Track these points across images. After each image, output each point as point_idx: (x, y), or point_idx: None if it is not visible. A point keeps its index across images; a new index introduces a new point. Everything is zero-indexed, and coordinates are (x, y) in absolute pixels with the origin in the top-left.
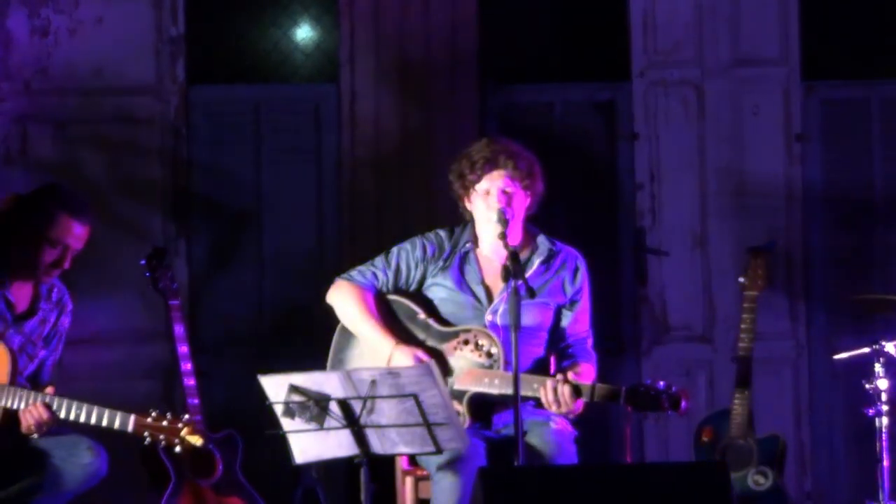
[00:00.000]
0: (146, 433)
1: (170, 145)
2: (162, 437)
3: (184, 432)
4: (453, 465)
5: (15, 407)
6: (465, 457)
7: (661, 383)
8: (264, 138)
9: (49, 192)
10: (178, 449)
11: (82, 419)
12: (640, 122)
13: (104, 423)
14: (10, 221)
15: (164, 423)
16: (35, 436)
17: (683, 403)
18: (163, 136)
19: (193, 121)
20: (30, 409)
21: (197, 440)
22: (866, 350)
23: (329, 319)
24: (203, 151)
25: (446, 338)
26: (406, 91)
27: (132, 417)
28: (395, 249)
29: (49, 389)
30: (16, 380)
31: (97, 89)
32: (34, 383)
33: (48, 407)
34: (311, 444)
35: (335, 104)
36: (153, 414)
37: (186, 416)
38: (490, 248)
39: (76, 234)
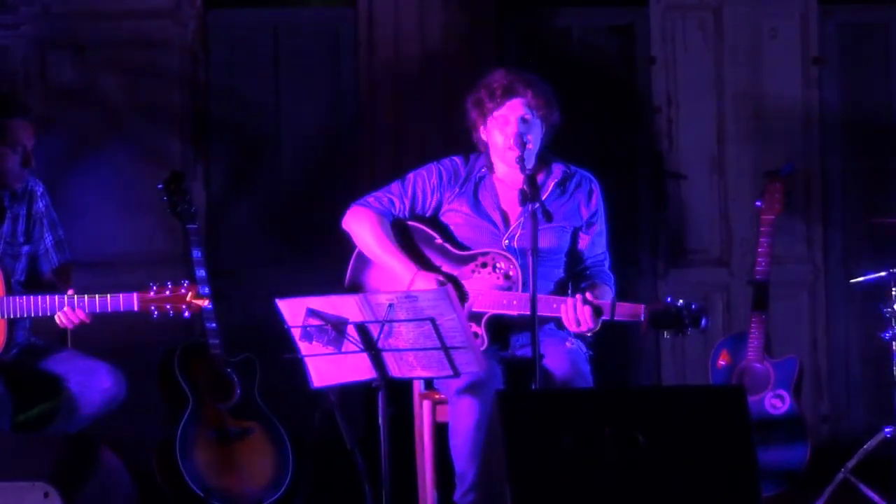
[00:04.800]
0: (153, 307)
1: (188, 69)
2: (169, 306)
3: (189, 297)
4: (472, 388)
5: (14, 316)
6: (484, 380)
7: (681, 301)
8: (282, 62)
9: None
10: (187, 314)
11: (87, 310)
12: (658, 46)
13: (109, 308)
14: None
15: (167, 293)
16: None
17: (703, 320)
18: (181, 60)
19: (212, 45)
20: (64, 314)
21: (204, 301)
22: (883, 274)
23: (347, 243)
24: (221, 75)
25: (464, 261)
26: (424, 15)
27: (135, 295)
28: (410, 175)
29: (70, 291)
30: (11, 287)
31: (116, 13)
32: (34, 280)
33: (79, 308)
34: (329, 368)
35: (353, 28)
36: (154, 287)
37: (186, 282)
38: (505, 175)
39: (29, 132)
